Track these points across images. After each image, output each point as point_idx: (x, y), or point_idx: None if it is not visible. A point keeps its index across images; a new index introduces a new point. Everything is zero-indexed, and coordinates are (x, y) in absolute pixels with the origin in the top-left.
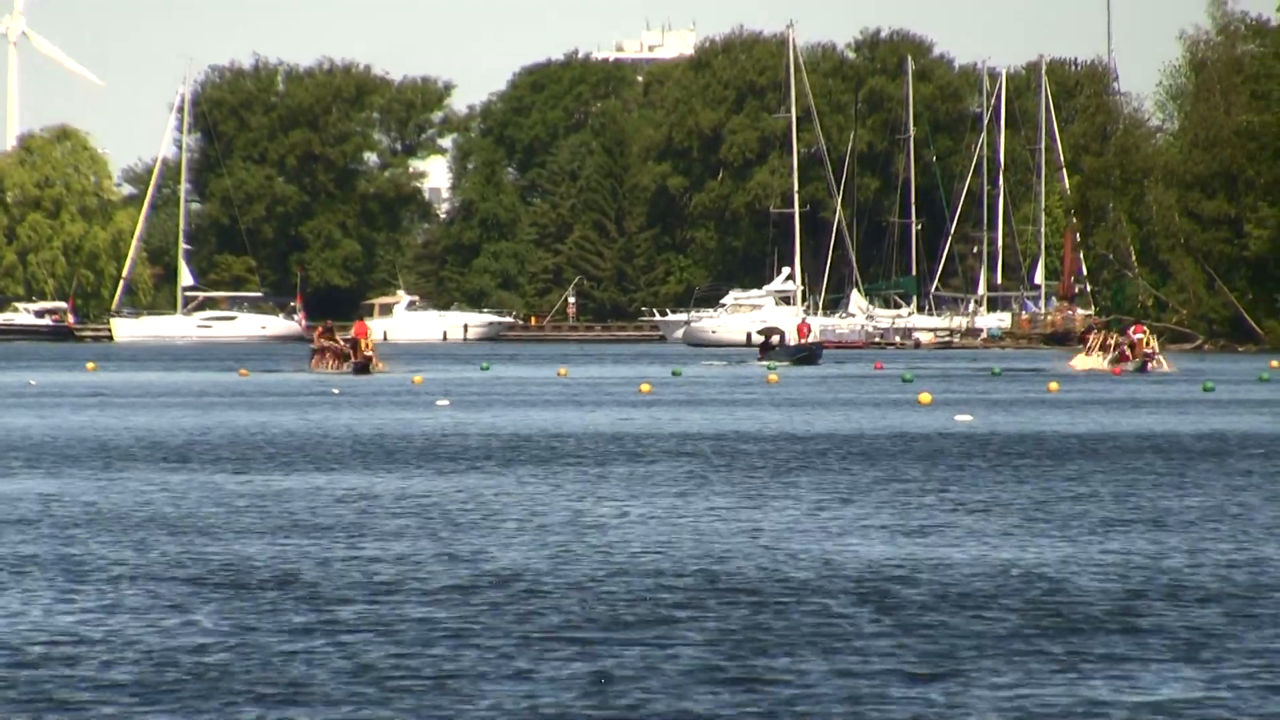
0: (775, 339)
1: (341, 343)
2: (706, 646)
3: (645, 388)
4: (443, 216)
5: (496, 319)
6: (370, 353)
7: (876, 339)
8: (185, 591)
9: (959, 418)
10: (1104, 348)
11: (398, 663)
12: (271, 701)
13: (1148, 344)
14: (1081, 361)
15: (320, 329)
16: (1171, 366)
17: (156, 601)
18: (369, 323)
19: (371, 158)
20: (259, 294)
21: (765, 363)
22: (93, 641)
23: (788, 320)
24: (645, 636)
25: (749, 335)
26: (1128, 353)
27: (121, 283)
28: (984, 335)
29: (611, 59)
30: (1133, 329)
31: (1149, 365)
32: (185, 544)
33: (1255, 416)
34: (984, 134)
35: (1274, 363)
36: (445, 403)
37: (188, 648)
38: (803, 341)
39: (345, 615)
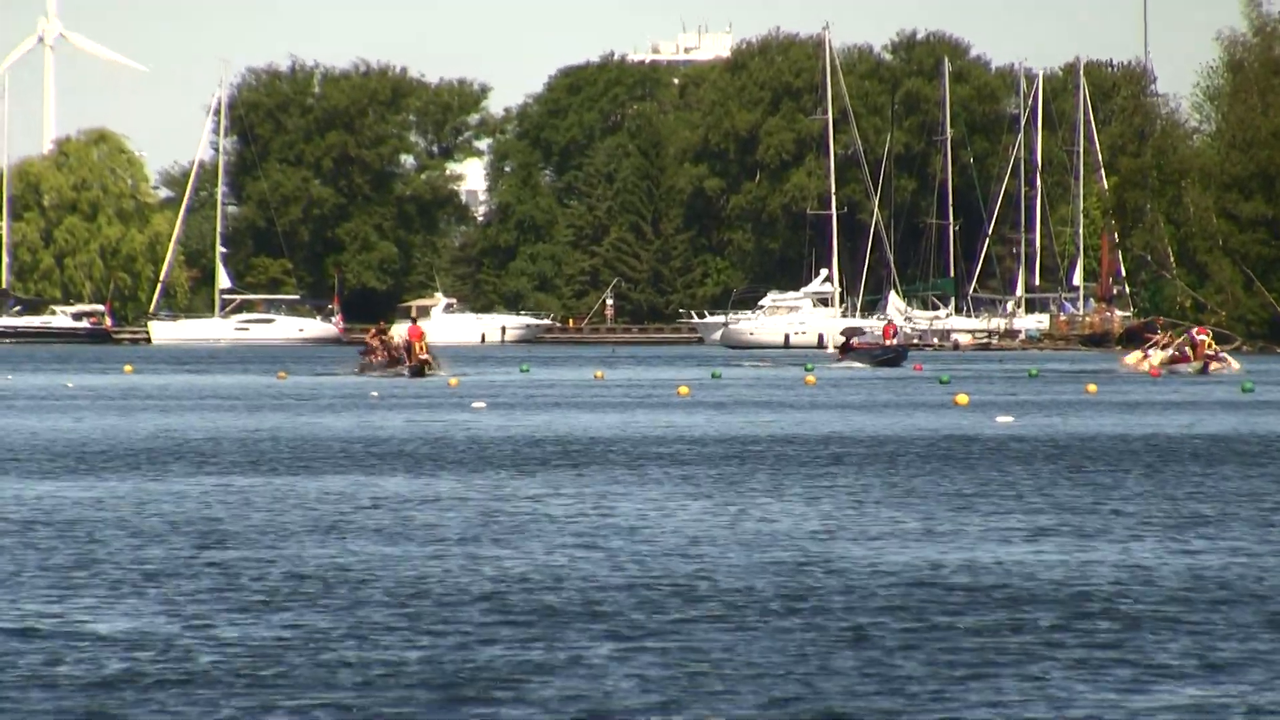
0: (857, 340)
1: (396, 344)
2: (760, 650)
3: (683, 390)
4: (479, 219)
5: (534, 321)
6: (426, 355)
7: (914, 340)
8: (219, 597)
9: (1000, 419)
10: (1165, 348)
11: (429, 660)
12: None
13: (1210, 346)
14: (1135, 359)
15: (374, 330)
16: (1238, 367)
17: (174, 608)
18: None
19: (408, 160)
20: (296, 296)
21: (845, 364)
22: (125, 643)
23: (859, 322)
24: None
25: (786, 337)
26: (1188, 354)
27: (159, 285)
28: (1022, 337)
29: (648, 61)
30: (1195, 330)
31: (1210, 367)
32: (224, 548)
33: None
34: (1021, 135)
35: None
36: (481, 405)
37: (225, 648)
38: (888, 343)
39: (372, 614)
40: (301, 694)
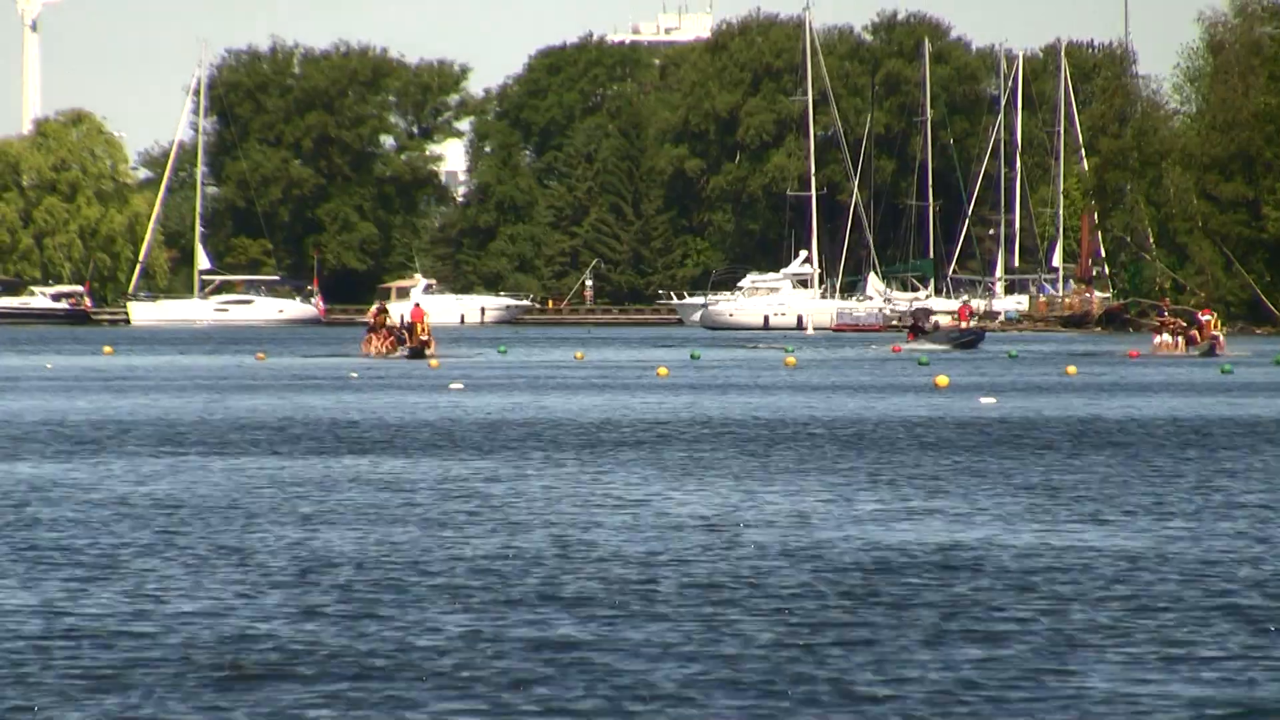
0: (928, 323)
1: (398, 325)
2: (768, 637)
3: (663, 371)
4: (459, 200)
5: (513, 302)
6: (426, 337)
7: (894, 322)
8: (198, 574)
9: (984, 400)
10: (1173, 331)
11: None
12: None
13: (1215, 326)
14: (1159, 342)
15: (374, 310)
16: (1223, 347)
17: (146, 583)
18: (423, 305)
19: (388, 141)
20: (276, 277)
21: (916, 346)
22: (116, 626)
23: (928, 302)
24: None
25: (766, 319)
26: (1195, 335)
27: (138, 266)
28: (1001, 318)
29: (628, 41)
30: (1200, 311)
31: (1216, 348)
32: (203, 528)
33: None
34: (1001, 116)
35: None
36: (459, 386)
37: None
38: (965, 325)
39: (337, 596)
40: (277, 681)
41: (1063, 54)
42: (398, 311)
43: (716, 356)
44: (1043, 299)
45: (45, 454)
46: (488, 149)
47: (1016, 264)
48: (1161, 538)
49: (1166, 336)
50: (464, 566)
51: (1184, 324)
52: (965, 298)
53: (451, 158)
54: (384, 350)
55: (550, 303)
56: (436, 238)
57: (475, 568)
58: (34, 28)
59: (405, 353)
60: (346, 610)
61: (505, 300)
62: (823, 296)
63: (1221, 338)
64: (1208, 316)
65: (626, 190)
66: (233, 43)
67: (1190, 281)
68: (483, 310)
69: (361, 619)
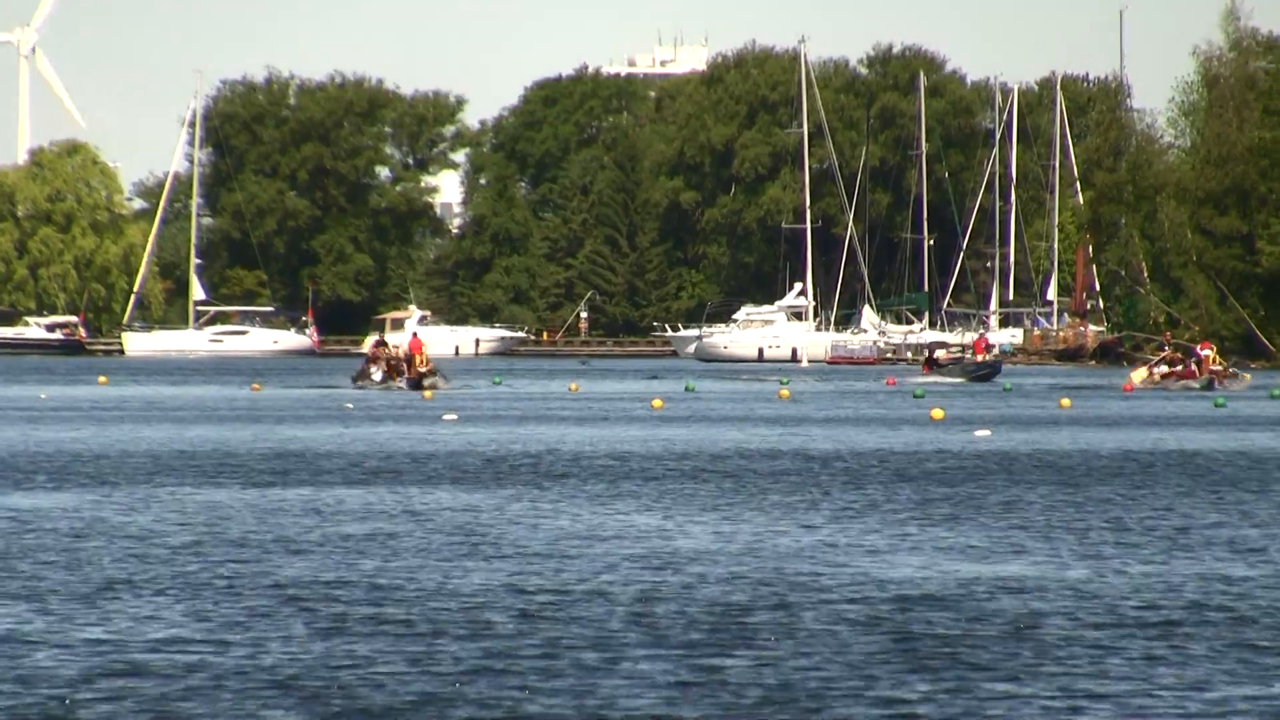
0: (942, 354)
1: (397, 356)
2: (746, 665)
3: (658, 403)
4: (454, 231)
5: (508, 334)
6: (425, 368)
7: (889, 355)
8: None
9: (979, 433)
10: (1171, 364)
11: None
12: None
13: (1215, 361)
14: (1141, 376)
15: (374, 341)
16: (1236, 382)
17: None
18: (421, 338)
19: (383, 172)
20: (270, 308)
21: (931, 379)
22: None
23: (943, 336)
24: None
25: (760, 351)
26: (1193, 369)
27: (133, 297)
28: (996, 351)
29: (624, 74)
30: (1200, 345)
31: (1216, 382)
32: (192, 558)
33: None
34: (996, 149)
35: None
36: (452, 417)
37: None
38: (982, 358)
39: (344, 624)
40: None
41: (1058, 87)
42: (395, 342)
43: (712, 388)
44: (1037, 332)
45: (23, 484)
46: (483, 181)
47: (1011, 297)
48: (1140, 571)
49: (1144, 371)
50: (418, 598)
51: (1181, 357)
52: (982, 330)
53: (447, 189)
54: (386, 381)
55: (545, 334)
56: (431, 269)
57: (432, 600)
58: (31, 56)
59: (405, 384)
60: (309, 637)
61: (500, 332)
62: (817, 329)
63: (1226, 369)
64: (1207, 351)
65: (622, 222)
66: (228, 74)
67: (1184, 316)
68: (477, 342)
69: (324, 643)
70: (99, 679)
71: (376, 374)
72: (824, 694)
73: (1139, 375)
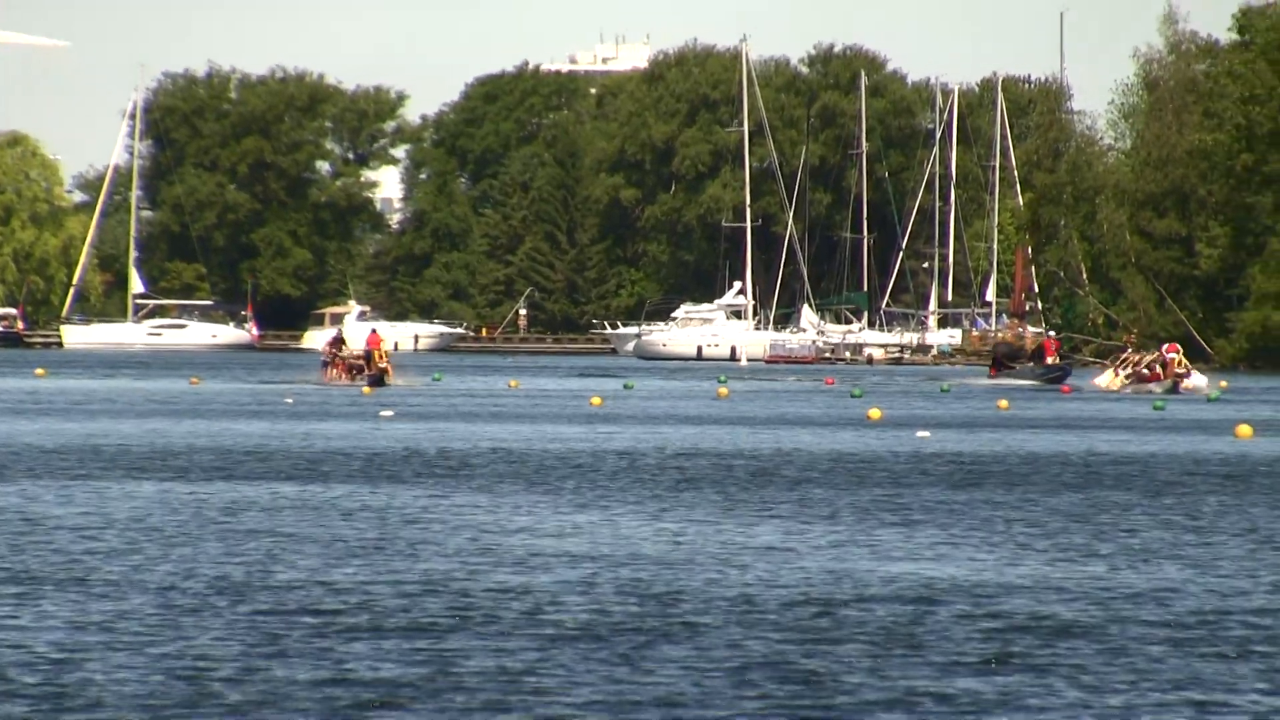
0: (1007, 352)
1: (355, 354)
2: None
3: (596, 400)
4: (394, 226)
5: (447, 330)
6: (385, 364)
7: (827, 354)
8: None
9: (920, 434)
10: (1135, 366)
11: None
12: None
13: (1180, 364)
14: (1107, 380)
15: (330, 341)
16: (1196, 386)
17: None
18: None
19: (324, 166)
20: (210, 302)
21: (1001, 380)
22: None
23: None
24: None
25: (699, 349)
26: (1158, 372)
27: (72, 289)
28: (935, 351)
29: (565, 70)
30: (1166, 348)
31: (1180, 385)
32: (139, 554)
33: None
34: (936, 150)
35: (1223, 383)
36: (389, 414)
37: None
38: (1052, 361)
39: (275, 626)
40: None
41: (999, 88)
42: (350, 336)
43: (651, 386)
44: (976, 333)
45: None
46: (423, 176)
47: (950, 298)
48: (1090, 573)
49: (1110, 374)
50: (351, 593)
51: (1145, 357)
52: (1051, 333)
53: (387, 184)
54: (344, 379)
55: (484, 331)
56: (371, 264)
57: (366, 594)
58: None
59: (366, 381)
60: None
61: (439, 328)
62: (757, 328)
63: (1192, 373)
64: (1174, 354)
65: (562, 219)
66: (170, 67)
67: (1123, 317)
68: (416, 338)
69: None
70: None
71: (340, 378)
72: (708, 700)
73: (1105, 379)
